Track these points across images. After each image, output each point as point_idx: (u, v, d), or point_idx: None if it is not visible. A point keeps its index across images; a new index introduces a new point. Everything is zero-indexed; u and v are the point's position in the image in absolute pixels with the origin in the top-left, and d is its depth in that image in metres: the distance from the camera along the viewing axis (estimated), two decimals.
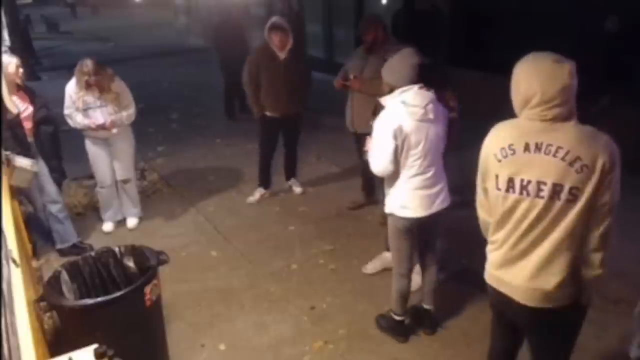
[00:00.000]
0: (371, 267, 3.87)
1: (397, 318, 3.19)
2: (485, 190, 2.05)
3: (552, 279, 1.93)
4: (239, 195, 5.25)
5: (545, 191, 1.86)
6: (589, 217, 1.86)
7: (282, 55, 4.52)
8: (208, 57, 10.03)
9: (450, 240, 4.04)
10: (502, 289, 2.08)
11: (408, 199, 2.86)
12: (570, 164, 1.81)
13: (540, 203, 1.87)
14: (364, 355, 3.13)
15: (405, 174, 2.83)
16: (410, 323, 3.25)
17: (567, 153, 1.81)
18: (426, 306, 3.26)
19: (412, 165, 2.80)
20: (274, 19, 4.60)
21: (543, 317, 2.02)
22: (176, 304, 3.53)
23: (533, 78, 1.83)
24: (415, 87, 2.74)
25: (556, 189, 1.84)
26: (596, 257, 1.91)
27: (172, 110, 8.09)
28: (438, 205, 2.92)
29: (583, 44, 5.14)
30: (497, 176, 1.95)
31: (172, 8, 16.44)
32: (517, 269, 2.00)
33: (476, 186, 2.13)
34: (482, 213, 2.15)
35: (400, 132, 2.70)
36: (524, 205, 1.91)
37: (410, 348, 3.16)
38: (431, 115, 2.74)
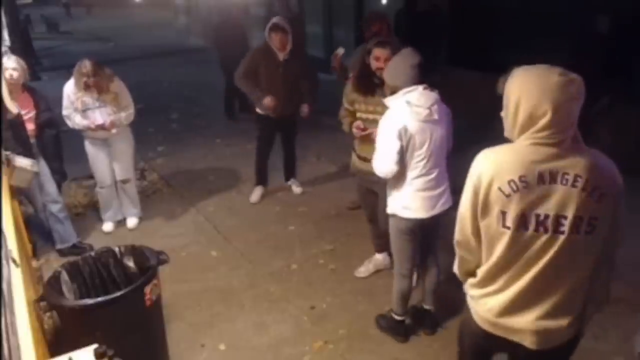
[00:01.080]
0: (364, 270, 3.87)
1: (398, 318, 3.19)
2: (476, 228, 1.79)
3: (566, 318, 1.77)
4: (239, 195, 5.25)
5: (566, 225, 1.66)
6: (601, 249, 1.72)
7: (282, 55, 4.52)
8: (208, 57, 10.03)
9: (450, 240, 4.04)
10: (508, 336, 1.85)
11: (410, 200, 2.85)
12: (590, 193, 1.63)
13: (560, 239, 1.67)
14: (364, 355, 3.13)
15: (408, 175, 2.82)
16: (410, 323, 3.25)
17: (586, 182, 1.63)
18: (426, 306, 3.26)
19: (415, 166, 2.79)
20: (275, 19, 4.61)
21: (548, 357, 1.86)
22: (176, 304, 3.53)
23: (541, 95, 1.60)
24: (420, 88, 2.73)
25: (577, 222, 1.65)
26: (605, 290, 1.79)
27: (172, 110, 8.09)
28: (440, 207, 2.90)
29: (582, 44, 5.15)
30: (503, 213, 1.69)
31: (172, 8, 16.43)
32: (529, 313, 1.78)
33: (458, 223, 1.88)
34: (463, 253, 1.92)
35: (405, 133, 2.69)
36: (540, 243, 1.69)
37: (410, 348, 3.16)
38: (436, 116, 2.73)
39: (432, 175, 2.82)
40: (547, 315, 1.76)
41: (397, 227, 2.97)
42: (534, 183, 1.65)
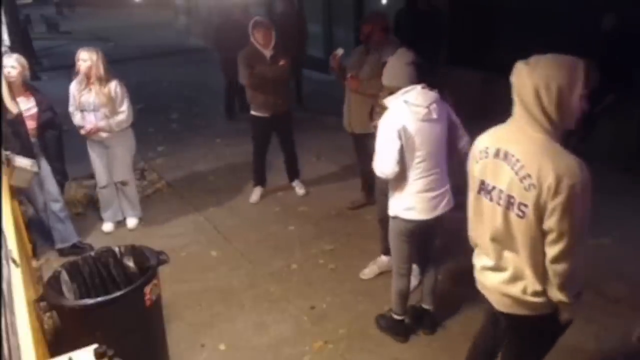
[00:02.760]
0: (368, 271, 3.85)
1: (397, 318, 3.19)
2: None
3: (522, 288, 1.92)
4: (239, 195, 5.25)
5: (503, 200, 1.87)
6: (542, 238, 1.81)
7: (268, 53, 4.55)
8: (208, 57, 10.03)
9: (451, 241, 4.04)
10: (483, 291, 2.13)
11: (412, 201, 2.84)
12: (521, 179, 1.79)
13: (499, 210, 1.89)
14: (364, 355, 3.13)
15: (409, 176, 2.80)
16: (410, 323, 3.25)
17: (521, 167, 1.79)
18: (426, 306, 3.26)
19: (416, 167, 2.77)
20: (256, 18, 4.68)
21: (516, 323, 2.04)
22: (176, 304, 3.53)
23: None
24: (418, 87, 2.73)
25: (510, 201, 1.85)
26: (554, 282, 1.84)
27: (172, 110, 8.08)
28: (441, 209, 2.90)
29: (585, 43, 5.14)
30: (474, 177, 2.01)
31: (172, 8, 16.42)
32: (491, 273, 2.03)
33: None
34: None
35: (404, 132, 2.68)
36: (489, 209, 1.93)
37: (410, 348, 3.16)
38: (435, 115, 2.72)
39: (433, 176, 2.82)
40: (507, 281, 1.96)
41: (397, 228, 2.96)
42: (492, 155, 1.90)
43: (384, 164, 2.76)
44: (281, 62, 4.58)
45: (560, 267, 1.80)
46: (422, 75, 2.77)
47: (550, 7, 5.86)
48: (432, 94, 2.75)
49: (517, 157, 1.80)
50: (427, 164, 2.77)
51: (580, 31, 5.30)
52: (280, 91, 4.68)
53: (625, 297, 3.41)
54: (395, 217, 2.94)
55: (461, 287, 3.65)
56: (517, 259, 1.90)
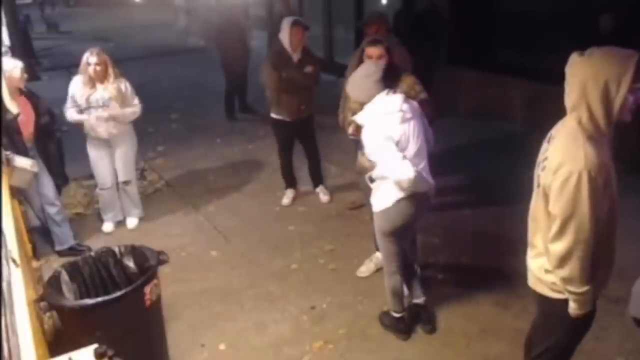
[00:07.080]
0: (365, 269, 3.87)
1: (397, 315, 3.21)
2: None
3: (538, 264, 2.04)
4: (239, 195, 5.25)
5: (536, 179, 1.99)
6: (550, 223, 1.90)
7: (295, 56, 4.49)
8: (208, 57, 10.02)
9: (450, 240, 4.05)
10: None
11: (398, 196, 2.86)
12: (542, 160, 1.92)
13: (535, 190, 2.01)
14: (364, 355, 3.13)
15: None
16: (408, 322, 3.25)
17: (546, 150, 1.92)
18: (417, 301, 3.28)
19: None
20: (295, 17, 4.63)
21: (539, 300, 2.13)
22: (176, 303, 3.53)
23: None
24: (383, 95, 2.78)
25: (538, 181, 1.96)
26: (550, 262, 1.95)
27: (172, 110, 8.08)
28: (422, 205, 2.96)
29: (584, 43, 5.14)
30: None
31: (172, 8, 16.43)
32: (529, 249, 2.13)
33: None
34: None
35: (390, 139, 2.73)
36: (535, 188, 2.02)
37: (410, 347, 3.16)
38: (409, 115, 2.79)
39: (419, 170, 2.84)
40: (532, 257, 2.09)
41: (381, 229, 3.01)
42: (546, 140, 1.96)
43: (400, 169, 2.71)
44: (309, 69, 4.50)
45: (552, 247, 1.88)
46: (387, 83, 2.83)
47: (550, 8, 5.86)
48: (398, 97, 2.81)
49: (553, 138, 1.90)
50: (413, 159, 2.80)
51: (580, 31, 5.30)
52: (304, 96, 4.59)
53: (625, 297, 3.40)
54: (380, 214, 2.96)
55: (461, 286, 3.65)
56: (540, 238, 2.00)
